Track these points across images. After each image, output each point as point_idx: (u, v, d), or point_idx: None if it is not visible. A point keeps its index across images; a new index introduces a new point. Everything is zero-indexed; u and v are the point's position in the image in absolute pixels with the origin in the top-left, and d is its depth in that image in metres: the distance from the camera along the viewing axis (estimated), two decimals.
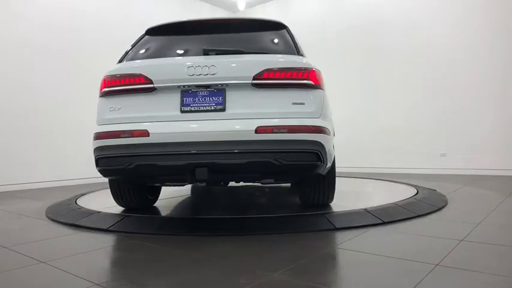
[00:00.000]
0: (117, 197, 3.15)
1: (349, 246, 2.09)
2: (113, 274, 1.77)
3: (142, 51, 2.83)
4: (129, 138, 2.45)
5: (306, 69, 2.49)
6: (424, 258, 1.82)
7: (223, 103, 2.44)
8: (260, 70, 2.44)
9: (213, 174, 2.42)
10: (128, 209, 3.20)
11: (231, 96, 2.46)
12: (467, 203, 3.57)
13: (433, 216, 2.91)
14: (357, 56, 7.51)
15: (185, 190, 4.55)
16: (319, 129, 2.44)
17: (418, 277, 1.57)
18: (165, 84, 2.49)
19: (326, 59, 7.71)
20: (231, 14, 9.29)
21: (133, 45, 2.92)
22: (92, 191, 4.53)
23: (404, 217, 2.76)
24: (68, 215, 3.07)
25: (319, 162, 2.45)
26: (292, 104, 2.44)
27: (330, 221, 2.56)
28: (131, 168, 2.45)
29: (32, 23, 5.71)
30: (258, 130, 2.35)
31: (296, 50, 2.73)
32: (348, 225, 2.52)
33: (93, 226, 2.73)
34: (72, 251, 2.18)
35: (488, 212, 2.97)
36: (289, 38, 2.86)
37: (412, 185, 4.34)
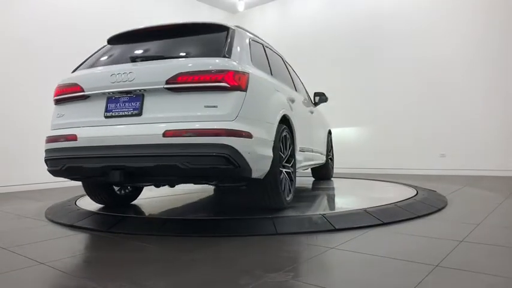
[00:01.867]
0: (89, 194, 3.32)
1: (349, 247, 2.09)
2: (113, 275, 1.76)
3: (93, 60, 2.97)
4: (64, 142, 2.67)
5: (221, 71, 2.44)
6: (424, 259, 1.82)
7: (140, 108, 2.52)
8: (173, 74, 2.46)
9: (128, 177, 2.52)
10: (108, 208, 3.31)
11: (148, 101, 2.53)
12: (467, 204, 3.57)
13: (433, 217, 2.92)
14: (356, 57, 7.52)
15: (185, 189, 4.55)
16: (231, 133, 2.36)
17: (418, 278, 1.57)
18: (94, 92, 2.65)
19: (325, 59, 7.73)
20: (230, 15, 9.29)
21: (91, 55, 3.08)
22: None
23: (404, 218, 2.76)
24: (68, 216, 3.07)
25: (230, 166, 2.36)
26: (205, 107, 2.41)
27: (329, 222, 2.56)
28: (64, 170, 2.67)
29: (32, 23, 5.71)
30: (166, 134, 2.38)
31: (224, 52, 2.60)
32: (347, 226, 2.52)
33: (92, 227, 2.74)
34: (71, 252, 2.18)
35: (487, 213, 2.97)
36: (224, 40, 2.73)
37: (411, 186, 4.35)
